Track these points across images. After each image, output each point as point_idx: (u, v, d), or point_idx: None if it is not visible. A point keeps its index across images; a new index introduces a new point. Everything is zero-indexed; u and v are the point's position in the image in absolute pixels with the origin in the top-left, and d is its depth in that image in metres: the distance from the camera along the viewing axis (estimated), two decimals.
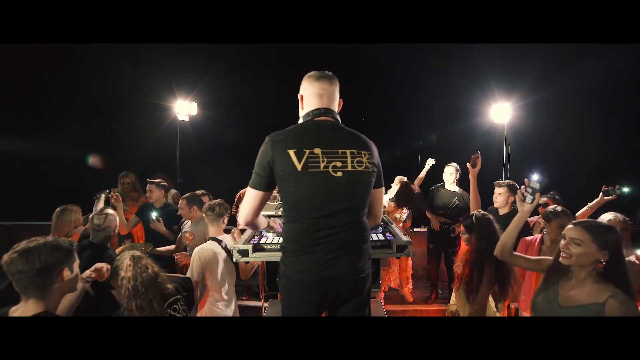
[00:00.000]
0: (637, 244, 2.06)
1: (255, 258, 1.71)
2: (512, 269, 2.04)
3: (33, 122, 7.18)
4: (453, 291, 2.40)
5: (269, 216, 1.81)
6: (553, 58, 6.11)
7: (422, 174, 4.30)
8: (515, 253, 1.73)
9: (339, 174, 1.30)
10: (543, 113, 6.10)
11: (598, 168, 5.78)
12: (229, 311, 2.43)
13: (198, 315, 2.34)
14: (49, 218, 2.71)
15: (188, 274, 2.25)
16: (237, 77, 7.51)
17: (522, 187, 1.66)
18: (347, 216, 1.32)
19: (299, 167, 1.28)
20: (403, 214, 3.77)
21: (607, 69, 5.50)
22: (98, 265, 1.73)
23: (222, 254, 2.38)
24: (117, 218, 2.42)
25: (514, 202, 2.22)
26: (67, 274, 1.29)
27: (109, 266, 1.76)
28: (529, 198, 1.62)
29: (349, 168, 1.32)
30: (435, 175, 4.10)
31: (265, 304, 2.31)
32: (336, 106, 1.46)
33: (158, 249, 2.99)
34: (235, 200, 4.19)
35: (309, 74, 1.46)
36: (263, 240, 1.81)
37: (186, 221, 3.09)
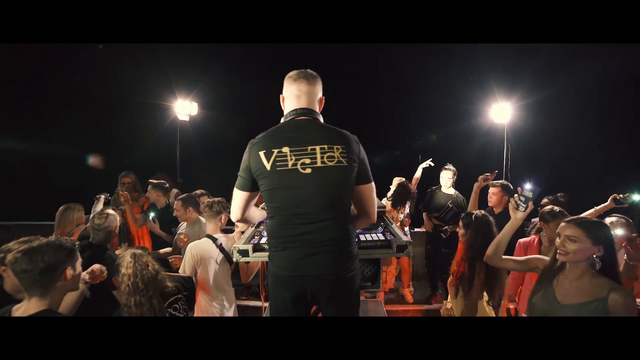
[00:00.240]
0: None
1: (256, 258, 1.70)
2: (501, 271, 2.11)
3: (33, 122, 7.19)
4: (448, 288, 2.45)
5: None
6: (553, 58, 6.10)
7: (418, 173, 4.21)
8: (503, 257, 1.76)
9: (308, 170, 1.30)
10: (543, 113, 6.09)
11: (598, 168, 5.78)
12: (226, 311, 2.41)
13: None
14: (49, 218, 2.72)
15: (180, 270, 2.25)
16: (237, 77, 7.50)
17: (516, 195, 1.69)
18: (323, 213, 1.30)
19: (268, 166, 1.31)
20: (401, 214, 3.77)
21: (607, 69, 5.49)
22: (94, 267, 1.73)
23: (216, 252, 2.37)
24: (118, 218, 2.41)
25: (508, 201, 2.24)
26: (70, 272, 1.33)
27: (104, 268, 1.76)
28: (522, 206, 1.66)
29: (319, 164, 1.30)
30: (434, 176, 4.09)
31: (266, 304, 2.29)
32: (316, 105, 1.44)
33: (157, 251, 2.98)
34: None
35: (288, 74, 1.45)
36: (263, 241, 1.80)
37: (182, 223, 3.08)
